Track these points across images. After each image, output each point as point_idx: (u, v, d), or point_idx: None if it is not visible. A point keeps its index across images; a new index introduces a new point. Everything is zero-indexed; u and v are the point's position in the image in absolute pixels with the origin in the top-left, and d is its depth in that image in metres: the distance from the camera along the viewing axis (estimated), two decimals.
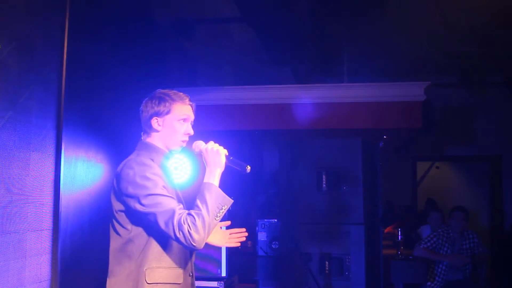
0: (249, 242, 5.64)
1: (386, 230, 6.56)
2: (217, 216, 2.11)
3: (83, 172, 3.56)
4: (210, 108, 5.21)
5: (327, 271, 4.54)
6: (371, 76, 6.51)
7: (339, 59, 6.01)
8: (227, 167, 2.23)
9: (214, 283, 4.03)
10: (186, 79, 5.67)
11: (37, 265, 2.99)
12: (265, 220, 4.95)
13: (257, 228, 4.93)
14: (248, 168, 2.22)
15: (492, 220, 7.71)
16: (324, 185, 4.65)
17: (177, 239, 2.03)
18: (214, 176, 2.16)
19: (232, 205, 2.26)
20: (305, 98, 5.18)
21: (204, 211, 2.06)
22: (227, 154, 2.22)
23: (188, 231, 2.00)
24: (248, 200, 6.48)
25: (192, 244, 2.02)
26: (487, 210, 7.93)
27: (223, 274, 4.09)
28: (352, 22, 5.30)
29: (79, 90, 3.47)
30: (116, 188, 2.17)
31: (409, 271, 5.03)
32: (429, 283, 5.12)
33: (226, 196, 2.15)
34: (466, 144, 7.54)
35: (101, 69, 3.80)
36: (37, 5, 3.03)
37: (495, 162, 7.59)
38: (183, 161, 4.59)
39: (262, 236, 4.93)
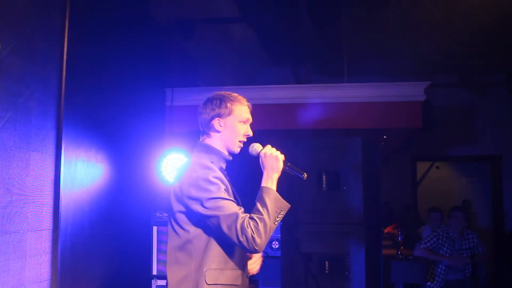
0: None
1: (386, 230, 6.56)
2: (276, 220, 2.16)
3: (83, 172, 3.56)
4: None
5: (327, 271, 4.54)
6: (371, 76, 6.51)
7: (339, 59, 6.01)
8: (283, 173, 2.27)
9: None
10: (186, 79, 5.66)
11: (37, 265, 2.99)
12: None
13: None
14: (305, 175, 2.27)
15: (492, 220, 7.71)
16: (324, 185, 4.64)
17: (240, 243, 2.07)
18: (272, 181, 2.21)
19: None
20: (305, 98, 5.18)
21: (265, 215, 2.11)
22: (284, 159, 2.26)
23: (252, 235, 2.06)
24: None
25: (254, 248, 2.07)
26: (487, 210, 7.94)
27: None
28: (352, 23, 5.30)
29: (79, 90, 3.47)
30: (178, 189, 2.19)
31: (409, 271, 5.02)
32: (429, 283, 5.12)
33: (284, 200, 2.20)
34: (466, 144, 7.54)
35: (101, 69, 3.80)
36: (37, 5, 3.03)
37: (495, 162, 7.59)
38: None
39: None
